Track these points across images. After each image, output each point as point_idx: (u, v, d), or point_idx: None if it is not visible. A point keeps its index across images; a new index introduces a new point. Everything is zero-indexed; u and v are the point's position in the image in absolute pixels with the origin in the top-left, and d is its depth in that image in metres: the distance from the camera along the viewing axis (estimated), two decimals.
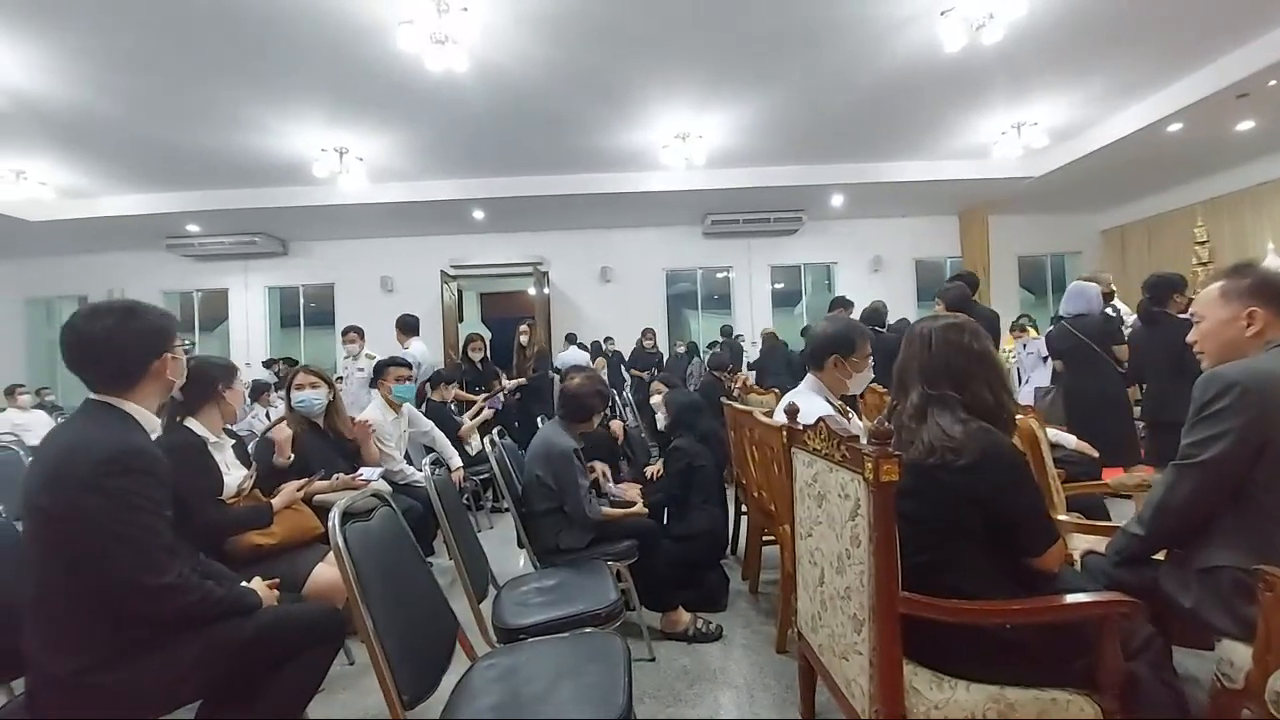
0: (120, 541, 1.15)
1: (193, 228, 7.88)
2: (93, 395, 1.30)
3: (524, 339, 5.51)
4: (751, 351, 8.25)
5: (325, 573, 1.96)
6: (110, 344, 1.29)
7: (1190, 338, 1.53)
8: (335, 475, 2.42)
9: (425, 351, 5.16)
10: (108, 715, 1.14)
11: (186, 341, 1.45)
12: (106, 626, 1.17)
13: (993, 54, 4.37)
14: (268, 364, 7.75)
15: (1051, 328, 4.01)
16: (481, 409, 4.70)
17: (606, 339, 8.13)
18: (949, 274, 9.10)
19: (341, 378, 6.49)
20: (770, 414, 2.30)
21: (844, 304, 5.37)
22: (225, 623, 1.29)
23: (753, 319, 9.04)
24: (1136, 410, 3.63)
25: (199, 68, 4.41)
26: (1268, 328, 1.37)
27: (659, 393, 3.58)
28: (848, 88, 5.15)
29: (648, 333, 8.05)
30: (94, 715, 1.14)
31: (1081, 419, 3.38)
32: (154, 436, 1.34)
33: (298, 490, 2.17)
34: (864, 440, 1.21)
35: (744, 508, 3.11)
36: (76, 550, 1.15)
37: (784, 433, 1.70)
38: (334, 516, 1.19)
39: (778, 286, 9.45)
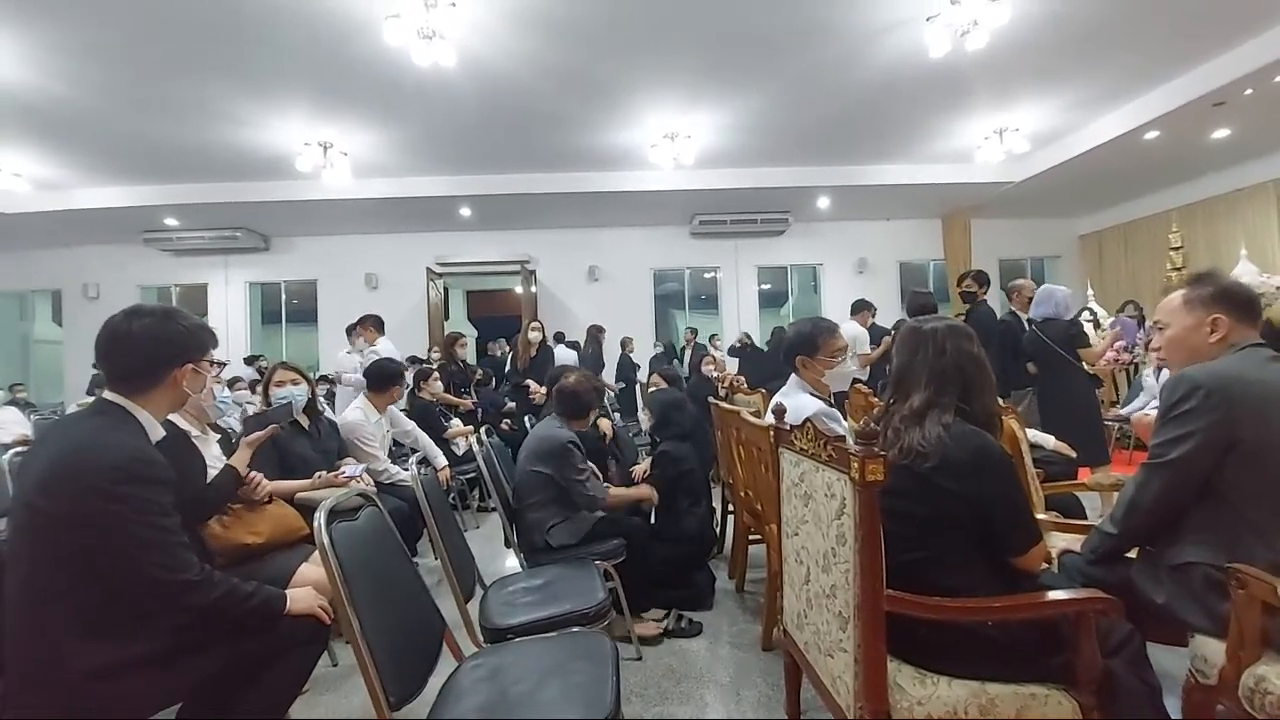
0: (140, 544, 1.16)
1: (171, 221, 7.70)
2: (106, 394, 1.30)
3: (534, 335, 5.36)
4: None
5: (309, 572, 1.93)
6: (140, 342, 1.30)
7: (1155, 344, 1.58)
8: (317, 473, 2.40)
9: (394, 350, 5.09)
10: (90, 717, 1.12)
11: (215, 359, 1.43)
12: (99, 630, 1.15)
13: (976, 60, 4.44)
14: (249, 360, 7.63)
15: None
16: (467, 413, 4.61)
17: (596, 328, 7.48)
18: (932, 276, 9.27)
19: (327, 376, 6.41)
20: (758, 414, 2.32)
21: (866, 306, 5.35)
22: (209, 622, 1.27)
23: (739, 319, 9.07)
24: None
25: (179, 59, 4.32)
26: (1231, 333, 1.41)
27: (656, 385, 3.64)
28: (834, 90, 5.19)
29: (626, 343, 7.82)
30: (76, 716, 1.12)
31: (1052, 420, 3.44)
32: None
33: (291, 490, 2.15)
34: (850, 440, 1.23)
35: (731, 506, 3.13)
36: (83, 551, 1.13)
37: (772, 433, 1.71)
38: (320, 515, 1.18)
39: (764, 287, 9.49)
